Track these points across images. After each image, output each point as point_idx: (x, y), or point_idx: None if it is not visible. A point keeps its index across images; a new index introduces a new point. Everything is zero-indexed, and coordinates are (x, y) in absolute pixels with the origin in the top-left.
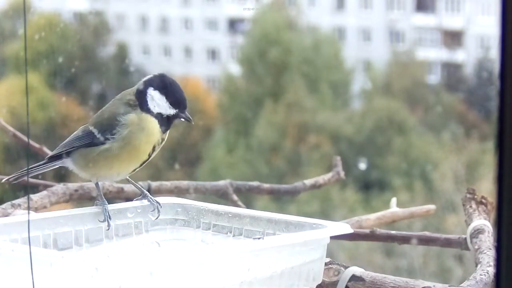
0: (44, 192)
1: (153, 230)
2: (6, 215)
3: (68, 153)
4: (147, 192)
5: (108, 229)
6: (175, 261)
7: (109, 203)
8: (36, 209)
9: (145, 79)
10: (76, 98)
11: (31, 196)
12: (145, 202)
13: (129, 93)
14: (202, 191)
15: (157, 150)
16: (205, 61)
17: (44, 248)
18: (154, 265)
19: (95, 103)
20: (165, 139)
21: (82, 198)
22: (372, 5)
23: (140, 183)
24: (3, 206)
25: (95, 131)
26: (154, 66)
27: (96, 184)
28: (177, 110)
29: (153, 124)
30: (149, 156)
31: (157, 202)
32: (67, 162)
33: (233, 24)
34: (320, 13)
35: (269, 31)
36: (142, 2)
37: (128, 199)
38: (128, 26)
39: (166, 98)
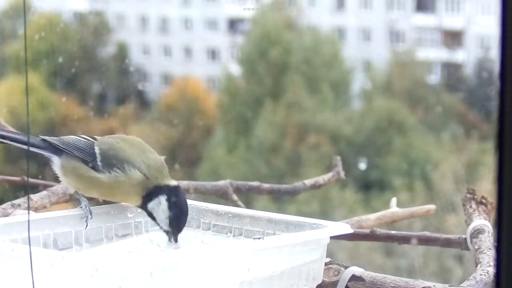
0: (44, 192)
1: (153, 230)
2: (6, 215)
3: (60, 152)
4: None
5: (85, 228)
6: (175, 261)
7: (109, 203)
8: (36, 209)
9: (164, 188)
10: (76, 98)
11: (31, 196)
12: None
13: (150, 157)
14: (202, 191)
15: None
16: (205, 61)
17: (44, 248)
18: (154, 265)
19: (95, 103)
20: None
21: None
22: (372, 5)
23: None
24: (3, 206)
25: (98, 156)
26: (154, 66)
27: (75, 192)
28: (170, 230)
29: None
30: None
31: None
32: (54, 159)
33: (233, 24)
34: (320, 13)
35: (269, 31)
36: (142, 2)
37: None
38: (128, 26)
39: (169, 213)
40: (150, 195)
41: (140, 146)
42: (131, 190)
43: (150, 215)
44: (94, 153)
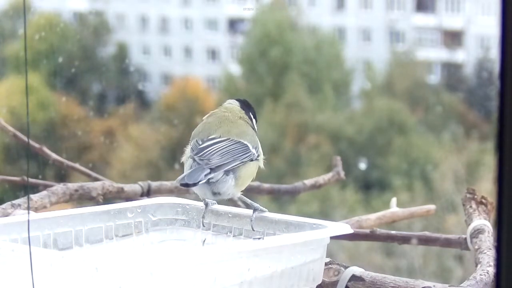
0: (44, 192)
1: (153, 230)
2: (6, 215)
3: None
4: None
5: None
6: (175, 261)
7: (109, 203)
8: (36, 209)
9: (236, 106)
10: (76, 98)
11: (31, 196)
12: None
13: (240, 113)
14: None
15: None
16: (205, 61)
17: (44, 248)
18: (154, 265)
19: (95, 103)
20: None
21: (82, 198)
22: (372, 5)
23: (140, 183)
24: (3, 206)
25: (250, 146)
26: (154, 66)
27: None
28: (256, 123)
29: None
30: None
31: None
32: (223, 175)
33: (233, 24)
34: (320, 13)
35: (269, 31)
36: (142, 2)
37: (128, 199)
38: (128, 26)
39: (255, 118)
40: (252, 126)
41: (234, 113)
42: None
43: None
44: (248, 146)
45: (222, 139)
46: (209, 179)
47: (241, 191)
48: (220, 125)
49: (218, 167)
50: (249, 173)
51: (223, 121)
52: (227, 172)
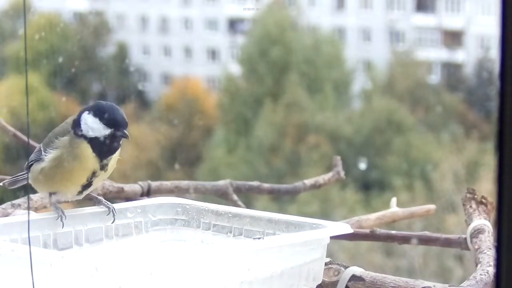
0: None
1: (153, 230)
2: (6, 215)
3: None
4: (101, 198)
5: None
6: (175, 261)
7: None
8: (36, 209)
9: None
10: (76, 98)
11: (31, 196)
12: (101, 207)
13: (72, 117)
14: (202, 191)
15: (101, 175)
16: (205, 61)
17: (44, 248)
18: (154, 265)
19: None
20: (111, 164)
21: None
22: (372, 5)
23: (140, 183)
24: (3, 206)
25: (42, 149)
26: (154, 66)
27: (49, 195)
28: (112, 129)
29: (86, 151)
30: (88, 180)
31: (112, 206)
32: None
33: (233, 24)
34: (320, 13)
35: (269, 31)
36: (142, 2)
37: (128, 199)
38: (128, 26)
39: (100, 119)
40: (74, 127)
41: (69, 118)
42: (69, 151)
43: (95, 139)
44: (40, 148)
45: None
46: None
47: (43, 191)
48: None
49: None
50: (34, 173)
51: None
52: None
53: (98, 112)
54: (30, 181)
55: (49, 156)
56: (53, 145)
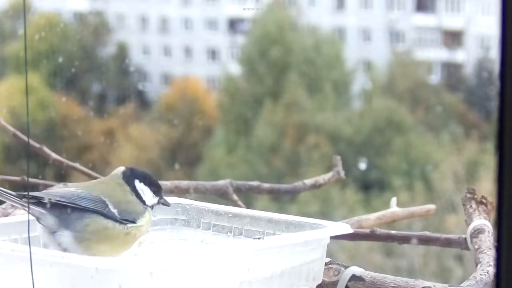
0: None
1: (153, 230)
2: (6, 215)
3: (61, 213)
4: None
5: None
6: (175, 261)
7: None
8: None
9: (119, 173)
10: (76, 98)
11: None
12: None
13: (120, 181)
14: (202, 191)
15: None
16: (205, 61)
17: (44, 248)
18: (154, 265)
19: (95, 103)
20: None
21: None
22: (372, 5)
23: None
24: (3, 206)
25: (109, 204)
26: (154, 66)
27: None
28: (158, 198)
29: (150, 219)
30: None
31: None
32: (51, 220)
33: (233, 24)
34: (320, 13)
35: (269, 31)
36: (142, 2)
37: None
38: (128, 26)
39: (150, 189)
40: (138, 197)
41: (112, 183)
42: (147, 220)
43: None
44: (105, 202)
45: (74, 188)
46: (36, 217)
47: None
48: (86, 184)
49: (35, 198)
50: (99, 232)
51: (93, 182)
52: (64, 223)
53: (147, 182)
54: (85, 236)
55: (137, 224)
56: (141, 214)
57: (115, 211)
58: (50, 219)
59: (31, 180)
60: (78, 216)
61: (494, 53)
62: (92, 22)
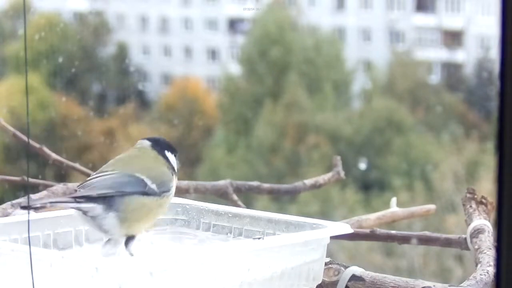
0: (44, 192)
1: (153, 230)
2: (6, 215)
3: (105, 199)
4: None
5: None
6: (175, 261)
7: None
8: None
9: (146, 145)
10: (76, 98)
11: (31, 196)
12: None
13: (151, 152)
14: (202, 191)
15: None
16: (205, 61)
17: (44, 248)
18: (154, 265)
19: (95, 103)
20: None
21: None
22: (372, 5)
23: None
24: (3, 206)
25: (148, 181)
26: (154, 66)
27: (128, 240)
28: (177, 161)
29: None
30: None
31: None
32: (99, 209)
33: (233, 24)
34: (320, 13)
35: (269, 31)
36: (142, 2)
37: None
38: (128, 26)
39: (174, 155)
40: (169, 164)
41: (141, 151)
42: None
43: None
44: (143, 180)
45: (111, 172)
46: (85, 211)
47: (135, 231)
48: (117, 161)
49: (84, 197)
50: (139, 209)
51: (123, 158)
52: (108, 206)
53: (171, 149)
54: (123, 217)
55: (169, 193)
56: (170, 181)
57: (153, 186)
58: (98, 209)
59: (31, 180)
60: (120, 199)
61: (494, 53)
62: (92, 22)
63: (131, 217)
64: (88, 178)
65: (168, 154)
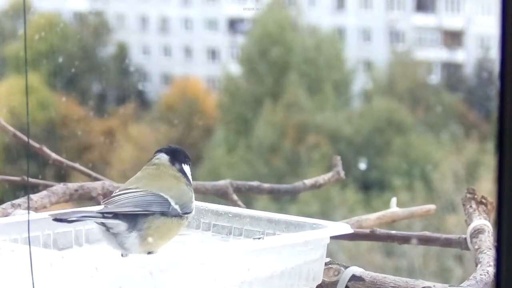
0: (44, 192)
1: None
2: (6, 215)
3: (130, 217)
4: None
5: None
6: (175, 261)
7: None
8: (36, 209)
9: (164, 160)
10: (76, 98)
11: (31, 196)
12: None
13: (171, 169)
14: (202, 191)
15: None
16: (205, 61)
17: (44, 248)
18: (154, 265)
19: (95, 103)
20: None
21: (82, 198)
22: (372, 5)
23: None
24: (3, 206)
25: (172, 201)
26: (154, 66)
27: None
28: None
29: None
30: None
31: None
32: (123, 227)
33: (233, 24)
34: (320, 13)
35: (269, 31)
36: (142, 2)
37: None
38: (128, 26)
39: (189, 166)
40: (187, 179)
41: (159, 170)
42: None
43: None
44: (167, 200)
45: (137, 190)
46: (109, 227)
47: (158, 249)
48: (141, 179)
49: (111, 213)
50: (161, 228)
51: (146, 176)
52: (131, 225)
53: (187, 160)
54: (145, 236)
55: (190, 214)
56: (191, 201)
57: (176, 207)
58: (122, 226)
59: (31, 180)
60: (144, 217)
61: (494, 53)
62: (92, 22)
63: (152, 235)
64: (114, 194)
65: (186, 168)
